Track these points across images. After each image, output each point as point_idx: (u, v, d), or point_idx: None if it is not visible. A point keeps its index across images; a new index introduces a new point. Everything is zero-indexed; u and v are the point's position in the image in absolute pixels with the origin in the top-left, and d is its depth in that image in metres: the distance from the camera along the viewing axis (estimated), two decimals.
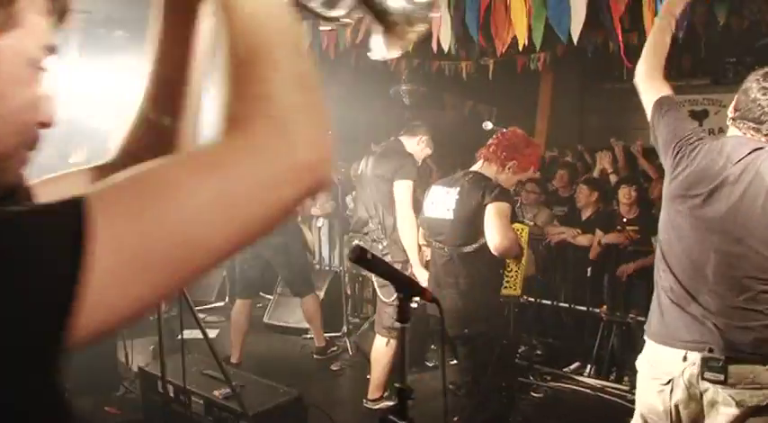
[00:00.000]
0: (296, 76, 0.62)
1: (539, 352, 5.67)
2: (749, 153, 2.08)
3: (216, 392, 3.27)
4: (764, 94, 2.08)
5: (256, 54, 0.60)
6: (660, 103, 2.35)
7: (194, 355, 3.99)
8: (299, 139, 0.59)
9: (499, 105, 9.79)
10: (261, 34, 0.61)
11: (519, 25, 4.26)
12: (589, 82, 9.44)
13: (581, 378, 5.06)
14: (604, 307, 5.33)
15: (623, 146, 6.86)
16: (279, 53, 0.61)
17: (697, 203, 2.16)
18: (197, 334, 6.13)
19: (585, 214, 5.92)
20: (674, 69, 8.77)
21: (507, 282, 3.83)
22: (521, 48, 4.52)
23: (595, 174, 6.85)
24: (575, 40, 4.12)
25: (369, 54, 1.10)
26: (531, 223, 4.47)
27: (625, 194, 5.42)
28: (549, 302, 5.78)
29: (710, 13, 5.78)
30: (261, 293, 6.54)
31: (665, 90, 2.39)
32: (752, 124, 2.13)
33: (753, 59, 8.56)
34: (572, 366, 5.31)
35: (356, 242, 4.48)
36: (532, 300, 5.77)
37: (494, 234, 3.14)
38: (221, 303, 6.86)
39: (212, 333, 6.24)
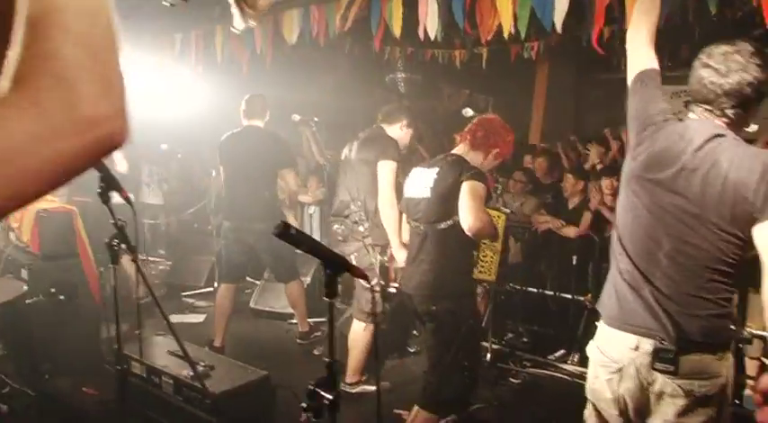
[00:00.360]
0: (86, 38, 0.62)
1: (525, 339, 5.72)
2: (710, 140, 2.04)
3: (185, 372, 3.31)
4: (708, 73, 2.05)
5: (46, 16, 0.61)
6: (640, 77, 2.28)
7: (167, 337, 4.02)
8: (83, 96, 0.60)
9: (495, 95, 9.78)
10: None
11: (504, 13, 4.24)
12: (585, 72, 9.37)
13: (561, 365, 5.09)
14: (589, 295, 5.35)
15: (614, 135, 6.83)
16: (69, 15, 0.62)
17: (654, 187, 2.13)
18: (183, 318, 6.27)
19: (572, 203, 5.94)
20: (670, 59, 8.72)
21: (482, 267, 3.87)
22: (506, 36, 4.50)
23: (588, 165, 6.83)
24: (558, 28, 4.10)
25: (231, 28, 1.12)
26: (509, 211, 4.49)
27: (608, 186, 5.42)
28: (534, 290, 5.81)
29: (703, 2, 5.76)
30: (249, 279, 6.61)
31: (651, 61, 2.29)
32: (704, 106, 2.10)
33: None
34: (557, 354, 5.34)
35: (335, 227, 4.52)
36: (518, 287, 5.80)
37: (466, 214, 3.19)
38: (210, 289, 6.91)
39: (200, 318, 6.33)
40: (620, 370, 2.17)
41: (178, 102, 7.08)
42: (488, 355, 5.15)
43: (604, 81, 8.74)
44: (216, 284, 6.78)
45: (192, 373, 3.13)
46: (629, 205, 2.22)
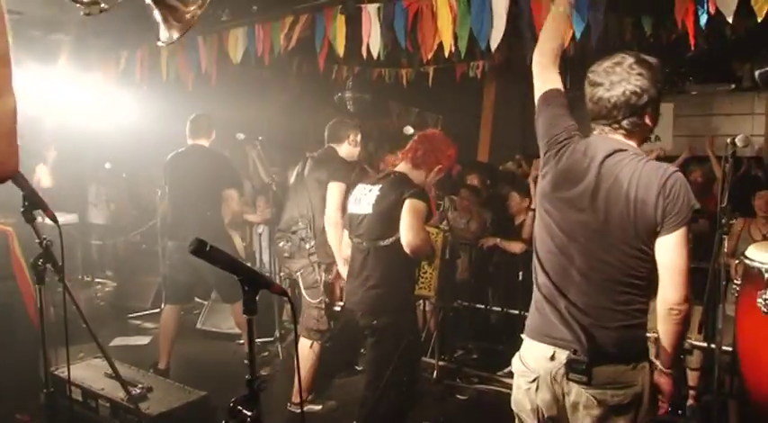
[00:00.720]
0: None
1: (474, 356, 5.76)
2: (610, 155, 2.10)
3: (121, 395, 3.25)
4: (596, 90, 2.12)
5: None
6: (545, 97, 2.33)
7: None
8: None
9: (445, 113, 9.90)
10: None
11: (445, 33, 4.31)
12: (532, 90, 9.55)
13: (508, 380, 5.12)
14: None
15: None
16: None
17: (563, 205, 2.18)
18: (129, 340, 6.16)
19: (518, 220, 6.02)
20: None
21: (422, 283, 3.90)
22: (446, 55, 4.57)
23: (530, 180, 6.92)
24: (492, 48, 4.18)
25: (158, 43, 1.11)
26: (447, 228, 4.53)
27: None
28: (482, 307, 5.85)
29: (639, 25, 5.95)
30: (197, 299, 6.53)
31: (555, 82, 2.34)
32: (601, 122, 2.16)
33: (687, 69, 8.84)
34: (506, 369, 5.37)
35: (281, 244, 4.52)
36: (466, 304, 5.84)
37: (407, 232, 3.26)
38: (157, 310, 6.80)
39: (146, 340, 6.24)
40: (536, 379, 2.21)
41: (124, 120, 7.01)
42: (435, 372, 5.17)
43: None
44: (163, 305, 6.70)
45: (136, 393, 3.08)
46: (542, 223, 2.27)
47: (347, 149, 4.54)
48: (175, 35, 1.08)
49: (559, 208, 2.19)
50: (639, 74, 2.06)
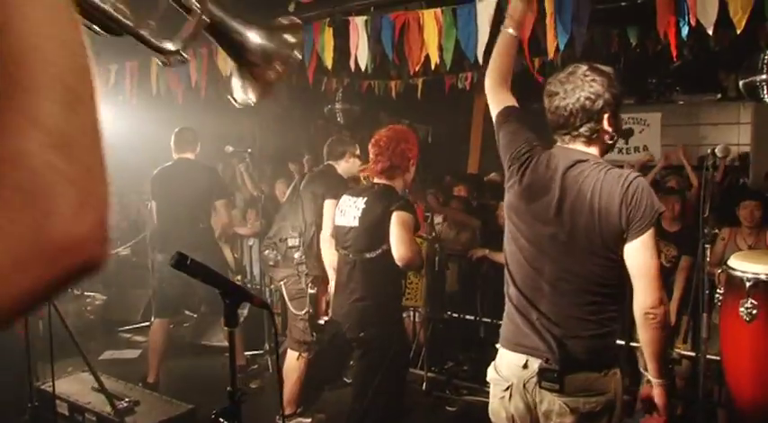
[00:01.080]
0: (62, 128, 0.46)
1: (465, 367, 5.75)
2: (572, 166, 2.13)
3: (108, 409, 3.25)
4: (553, 100, 2.17)
5: (12, 92, 0.45)
6: (501, 115, 2.40)
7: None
8: (54, 214, 0.45)
9: (435, 124, 9.94)
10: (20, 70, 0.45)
11: (431, 45, 4.35)
12: (520, 102, 9.58)
13: None
14: None
15: None
16: (41, 91, 0.46)
17: (529, 218, 2.21)
18: (119, 354, 6.15)
19: None
20: None
21: (409, 293, 3.91)
22: (433, 67, 4.61)
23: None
24: (480, 60, 4.21)
25: (228, 97, 1.06)
26: (430, 237, 4.54)
27: None
28: (471, 318, 5.85)
29: (625, 36, 6.02)
30: (187, 312, 6.52)
31: (508, 100, 2.43)
32: (561, 131, 2.21)
33: (672, 80, 8.91)
34: None
35: (267, 252, 4.53)
36: (456, 315, 5.84)
37: (398, 245, 3.24)
38: (147, 323, 6.78)
39: (135, 353, 6.22)
40: (509, 388, 2.23)
41: (113, 133, 6.99)
42: (424, 384, 5.16)
43: (535, 110, 8.95)
44: (153, 319, 6.68)
45: (123, 406, 3.08)
46: (511, 236, 2.30)
47: (345, 166, 4.57)
48: (252, 97, 1.02)
49: (527, 221, 2.23)
50: (593, 80, 2.12)
